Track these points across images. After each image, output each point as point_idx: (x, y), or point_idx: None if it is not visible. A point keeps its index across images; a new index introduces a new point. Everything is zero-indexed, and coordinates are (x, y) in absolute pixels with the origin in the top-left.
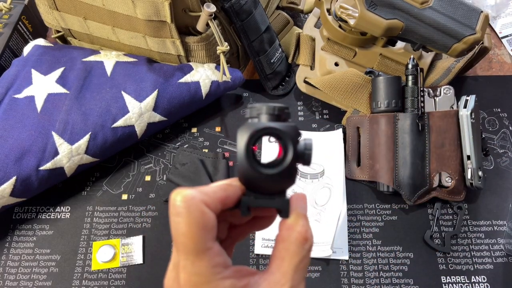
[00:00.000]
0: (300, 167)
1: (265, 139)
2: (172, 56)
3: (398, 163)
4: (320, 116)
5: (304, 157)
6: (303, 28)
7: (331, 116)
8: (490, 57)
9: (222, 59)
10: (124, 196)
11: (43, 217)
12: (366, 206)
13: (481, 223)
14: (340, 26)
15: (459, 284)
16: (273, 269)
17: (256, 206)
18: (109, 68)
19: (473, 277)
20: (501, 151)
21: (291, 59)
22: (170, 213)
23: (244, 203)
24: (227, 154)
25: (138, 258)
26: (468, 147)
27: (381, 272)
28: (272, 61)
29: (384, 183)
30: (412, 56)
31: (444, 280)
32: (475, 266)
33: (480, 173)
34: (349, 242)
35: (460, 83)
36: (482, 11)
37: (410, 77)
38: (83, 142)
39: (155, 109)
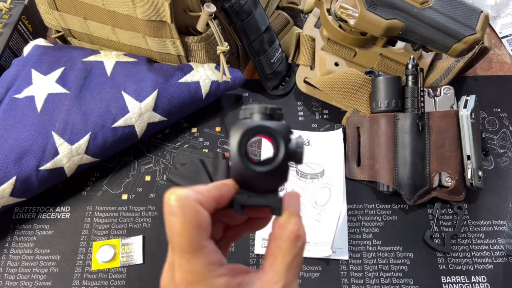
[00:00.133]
0: (301, 167)
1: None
2: (172, 56)
3: (398, 163)
4: (320, 116)
5: (296, 155)
6: (303, 28)
7: (331, 116)
8: (490, 57)
9: (222, 59)
10: (124, 196)
11: (43, 217)
12: (366, 206)
13: (481, 223)
14: (340, 26)
15: (459, 284)
16: (266, 267)
17: (249, 204)
18: (109, 68)
19: (473, 277)
20: (501, 151)
21: (291, 59)
22: (164, 212)
23: (237, 201)
24: (227, 154)
25: (138, 258)
26: (468, 147)
27: (381, 272)
28: (272, 61)
29: (384, 183)
30: (412, 56)
31: (444, 280)
32: (475, 266)
33: (480, 173)
34: (349, 242)
35: (460, 83)
36: (482, 11)
37: (410, 77)
38: (83, 142)
39: (155, 109)
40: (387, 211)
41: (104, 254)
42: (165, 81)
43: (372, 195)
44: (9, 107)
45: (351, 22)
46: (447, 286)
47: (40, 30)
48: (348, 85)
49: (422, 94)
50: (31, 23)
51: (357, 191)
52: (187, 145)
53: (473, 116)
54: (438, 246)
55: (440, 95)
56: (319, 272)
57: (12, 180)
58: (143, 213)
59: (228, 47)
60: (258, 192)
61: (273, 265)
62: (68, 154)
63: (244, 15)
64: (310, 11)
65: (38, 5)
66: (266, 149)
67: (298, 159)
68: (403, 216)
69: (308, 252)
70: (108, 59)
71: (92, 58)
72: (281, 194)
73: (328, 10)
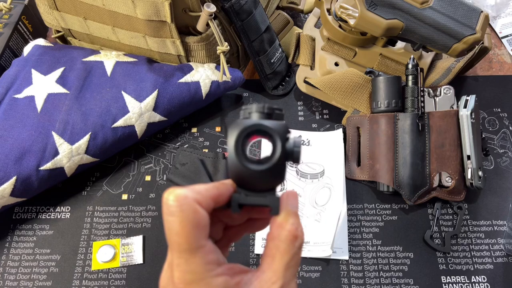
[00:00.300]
0: (301, 167)
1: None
2: (172, 56)
3: (398, 163)
4: (320, 116)
5: (293, 154)
6: (303, 28)
7: (331, 116)
8: (490, 57)
9: (222, 59)
10: (124, 196)
11: (43, 217)
12: (366, 206)
13: (481, 223)
14: (340, 26)
15: (459, 284)
16: (264, 267)
17: (246, 203)
18: (109, 68)
19: (473, 277)
20: (501, 151)
21: (291, 59)
22: (163, 212)
23: (235, 200)
24: (227, 154)
25: (138, 258)
26: (468, 147)
27: (381, 272)
28: (272, 61)
29: (384, 183)
30: (412, 56)
31: (444, 280)
32: (475, 266)
33: (480, 173)
34: (349, 242)
35: (460, 83)
36: (482, 11)
37: (410, 77)
38: (83, 142)
39: (155, 109)
40: (387, 211)
41: (104, 254)
42: (165, 81)
43: (372, 195)
44: (9, 107)
45: (351, 22)
46: (447, 286)
47: (40, 30)
48: (348, 85)
49: (422, 94)
50: (31, 23)
51: (357, 191)
52: (187, 145)
53: (473, 116)
54: (438, 246)
55: (440, 95)
56: (319, 272)
57: (12, 180)
58: (143, 213)
59: (228, 47)
60: (256, 191)
61: (271, 265)
62: (68, 154)
63: (244, 15)
64: (310, 11)
65: (38, 5)
66: (266, 148)
67: (295, 159)
68: (403, 216)
69: (308, 252)
70: (108, 59)
71: (92, 58)
72: (279, 193)
73: (328, 10)
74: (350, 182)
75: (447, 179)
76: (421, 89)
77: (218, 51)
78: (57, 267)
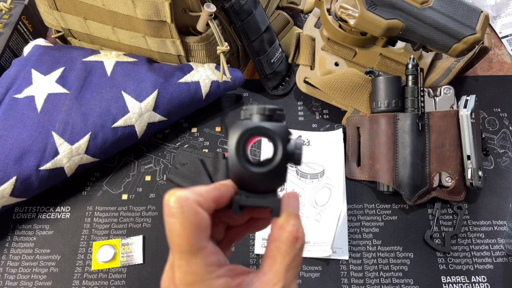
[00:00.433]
0: (301, 167)
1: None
2: (172, 56)
3: (398, 163)
4: (320, 116)
5: (295, 156)
6: (303, 28)
7: (331, 116)
8: (490, 57)
9: (222, 59)
10: (124, 196)
11: (43, 217)
12: (366, 206)
13: (481, 223)
14: (340, 26)
15: (459, 284)
16: (265, 268)
17: (247, 204)
18: (109, 68)
19: (473, 277)
20: (501, 151)
21: (291, 59)
22: (164, 214)
23: (236, 202)
24: (227, 154)
25: (138, 258)
26: (468, 147)
27: (381, 272)
28: (272, 61)
29: (384, 183)
30: (412, 56)
31: (444, 280)
32: (475, 266)
33: (480, 173)
34: (349, 242)
35: (460, 83)
36: (482, 11)
37: (410, 77)
38: (83, 142)
39: (155, 109)
40: (387, 211)
41: (104, 254)
42: (165, 81)
43: (372, 195)
44: (9, 107)
45: (351, 22)
46: (447, 286)
47: (40, 30)
48: (348, 85)
49: (422, 94)
50: (31, 23)
51: (357, 191)
52: (187, 145)
53: (473, 116)
54: (438, 246)
55: (440, 95)
56: (319, 272)
57: (12, 180)
58: (143, 213)
59: (228, 47)
60: (257, 192)
61: (272, 267)
62: (68, 154)
63: (244, 15)
64: (310, 11)
65: (38, 5)
66: (267, 150)
67: (297, 161)
68: (403, 216)
69: (308, 252)
70: (108, 59)
71: (92, 58)
72: (280, 194)
73: (328, 10)
74: (350, 182)
75: (447, 179)
76: (421, 89)
77: (218, 51)
78: (57, 267)
